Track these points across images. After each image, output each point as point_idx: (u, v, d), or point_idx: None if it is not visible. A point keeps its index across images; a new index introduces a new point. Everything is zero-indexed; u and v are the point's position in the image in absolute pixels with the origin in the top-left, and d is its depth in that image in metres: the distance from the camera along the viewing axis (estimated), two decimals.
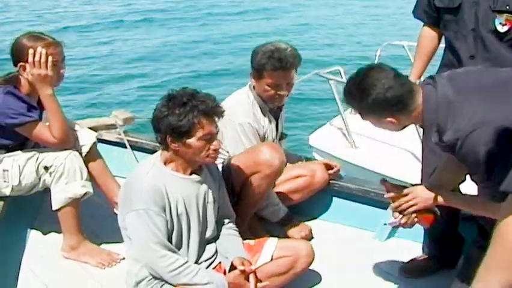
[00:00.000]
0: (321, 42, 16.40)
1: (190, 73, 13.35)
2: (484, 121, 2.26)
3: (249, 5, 21.67)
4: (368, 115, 2.55)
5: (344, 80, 7.09)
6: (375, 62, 7.46)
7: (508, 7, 2.87)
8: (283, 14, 20.49)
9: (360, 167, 5.99)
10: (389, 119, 2.48)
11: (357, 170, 5.89)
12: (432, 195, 2.65)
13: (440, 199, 2.64)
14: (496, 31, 2.92)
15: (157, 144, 3.00)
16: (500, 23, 2.91)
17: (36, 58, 3.33)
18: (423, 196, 2.66)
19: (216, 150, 2.92)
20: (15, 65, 3.42)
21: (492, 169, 2.28)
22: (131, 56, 14.97)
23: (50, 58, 3.35)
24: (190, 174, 2.98)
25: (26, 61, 3.35)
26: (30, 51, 3.33)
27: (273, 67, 3.48)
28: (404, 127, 2.62)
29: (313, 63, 11.78)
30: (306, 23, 19.00)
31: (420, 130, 3.39)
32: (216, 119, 2.88)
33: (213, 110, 2.84)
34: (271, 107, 3.72)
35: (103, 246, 3.66)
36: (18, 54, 3.40)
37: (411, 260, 3.50)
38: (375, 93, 2.43)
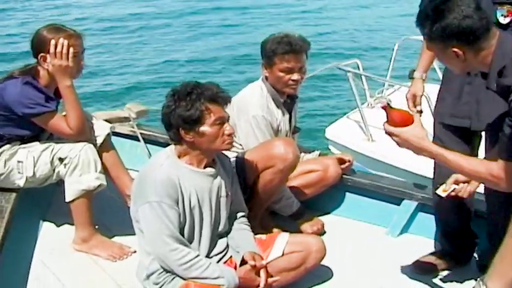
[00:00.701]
0: (340, 35, 16.32)
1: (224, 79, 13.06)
2: None
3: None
4: (435, 41, 2.43)
5: (362, 72, 7.09)
6: (393, 56, 7.48)
7: None
8: (303, 8, 20.40)
9: (377, 160, 5.97)
10: (455, 49, 2.37)
11: (373, 163, 5.87)
12: (419, 144, 2.57)
13: (429, 148, 2.54)
14: (498, 23, 2.89)
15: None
16: (502, 15, 2.88)
17: (58, 49, 3.34)
18: (408, 142, 2.60)
19: (231, 135, 2.91)
20: (35, 57, 3.44)
21: None
22: (159, 60, 14.76)
23: (71, 49, 3.36)
24: (204, 167, 2.98)
25: (47, 52, 3.36)
26: (52, 42, 3.34)
27: (284, 50, 3.52)
28: (465, 71, 2.54)
29: (332, 56, 11.77)
30: (326, 16, 18.93)
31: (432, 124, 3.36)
32: (224, 105, 2.89)
33: (218, 95, 2.86)
34: (285, 99, 3.71)
35: (115, 239, 3.66)
36: (38, 45, 3.41)
37: (424, 256, 3.46)
38: (451, 18, 2.33)
